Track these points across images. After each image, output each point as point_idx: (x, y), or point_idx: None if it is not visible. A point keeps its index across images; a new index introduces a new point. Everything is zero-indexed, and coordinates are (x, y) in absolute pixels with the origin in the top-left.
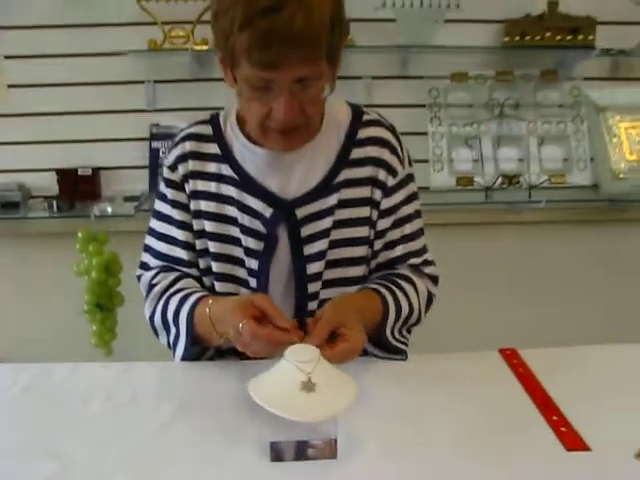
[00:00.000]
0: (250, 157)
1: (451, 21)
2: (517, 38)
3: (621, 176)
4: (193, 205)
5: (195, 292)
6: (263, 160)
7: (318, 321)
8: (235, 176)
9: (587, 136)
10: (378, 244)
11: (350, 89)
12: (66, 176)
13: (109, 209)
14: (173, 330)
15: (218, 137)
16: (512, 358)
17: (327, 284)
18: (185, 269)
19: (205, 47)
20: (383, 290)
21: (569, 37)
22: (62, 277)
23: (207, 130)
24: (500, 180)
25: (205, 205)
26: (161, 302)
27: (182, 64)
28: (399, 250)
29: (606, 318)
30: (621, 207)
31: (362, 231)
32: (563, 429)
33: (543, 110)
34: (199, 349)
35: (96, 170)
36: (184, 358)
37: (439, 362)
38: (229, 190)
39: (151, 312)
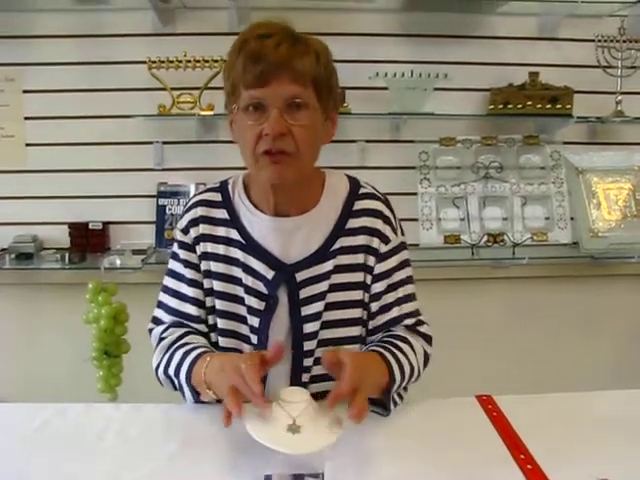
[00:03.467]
0: (255, 222)
1: (440, 89)
2: (501, 106)
3: (600, 234)
4: (203, 265)
5: (197, 347)
6: (267, 225)
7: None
8: (242, 240)
9: (567, 197)
10: (374, 307)
11: (345, 152)
12: (77, 229)
13: (118, 262)
14: (176, 381)
15: (227, 203)
16: (487, 403)
17: (323, 343)
18: (194, 324)
19: (210, 112)
20: (387, 354)
21: (548, 106)
22: (71, 325)
23: (217, 197)
24: (485, 238)
25: (214, 266)
26: (167, 355)
27: (189, 127)
28: (394, 312)
29: (585, 367)
30: (600, 264)
31: (356, 294)
32: (529, 466)
33: (526, 172)
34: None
35: (106, 224)
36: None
37: (423, 406)
38: (236, 253)
39: (157, 363)
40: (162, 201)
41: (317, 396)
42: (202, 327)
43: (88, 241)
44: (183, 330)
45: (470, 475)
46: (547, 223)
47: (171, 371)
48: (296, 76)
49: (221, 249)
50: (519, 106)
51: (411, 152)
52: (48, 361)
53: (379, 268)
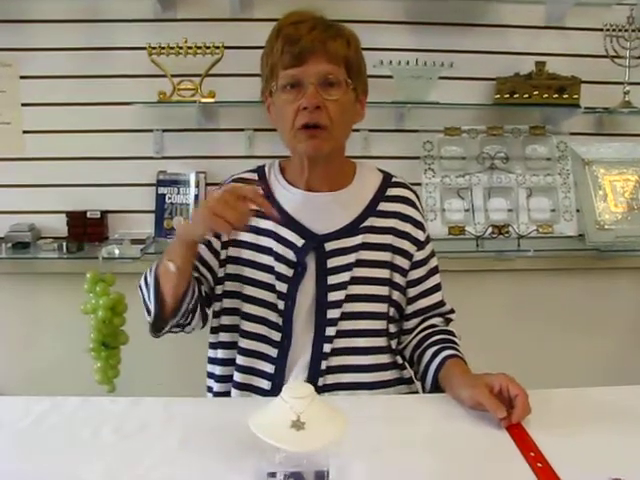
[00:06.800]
0: (289, 197)
1: (445, 79)
2: (507, 95)
3: (606, 227)
4: (233, 235)
5: None
6: (300, 199)
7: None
8: (275, 213)
9: (573, 188)
10: (413, 291)
11: (349, 141)
12: (75, 218)
13: (116, 251)
14: (149, 279)
15: (263, 181)
16: None
17: (347, 316)
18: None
19: (211, 99)
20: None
21: (555, 95)
22: (69, 315)
23: (254, 176)
24: (490, 230)
25: (245, 236)
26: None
27: (189, 115)
28: (434, 298)
29: (590, 361)
30: (606, 256)
31: (381, 272)
32: (539, 464)
33: (531, 163)
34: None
35: (104, 213)
36: (155, 319)
37: (428, 400)
38: (268, 224)
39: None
40: (161, 190)
41: (331, 388)
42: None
43: (86, 230)
44: None
45: (479, 473)
46: (553, 215)
47: (148, 273)
48: (329, 56)
49: (253, 221)
50: (525, 96)
51: (415, 142)
52: (45, 352)
53: (419, 255)
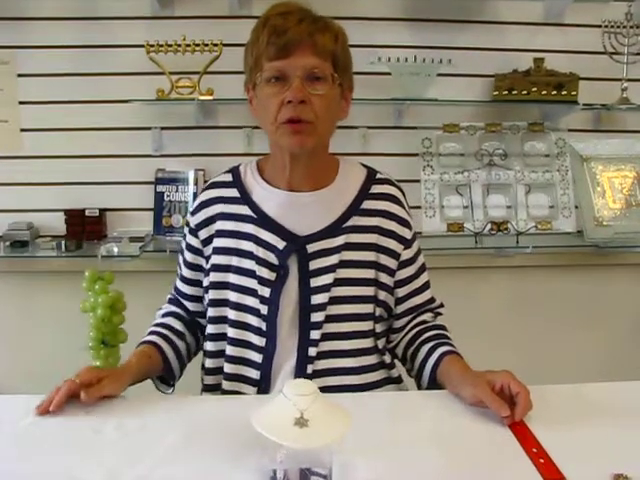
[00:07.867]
0: (268, 197)
1: (443, 75)
2: (505, 92)
3: (604, 223)
4: (215, 243)
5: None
6: (280, 200)
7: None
8: (253, 215)
9: (572, 185)
10: (402, 291)
11: (347, 138)
12: (74, 216)
13: (115, 249)
14: None
15: (237, 183)
16: None
17: (331, 318)
18: (186, 302)
19: (210, 97)
20: (457, 350)
21: (554, 92)
22: (68, 314)
23: (227, 177)
24: (489, 226)
25: (225, 242)
26: None
27: (188, 112)
28: (425, 295)
29: (588, 357)
30: (604, 253)
31: (366, 273)
32: (541, 460)
33: (530, 160)
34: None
35: (103, 211)
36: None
37: (430, 397)
38: (247, 227)
39: None
40: (160, 188)
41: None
42: (193, 305)
43: (84, 228)
44: (160, 316)
45: (482, 469)
46: (551, 211)
47: None
48: (316, 50)
49: (232, 225)
50: (524, 92)
51: (414, 139)
52: (44, 350)
53: (407, 254)
